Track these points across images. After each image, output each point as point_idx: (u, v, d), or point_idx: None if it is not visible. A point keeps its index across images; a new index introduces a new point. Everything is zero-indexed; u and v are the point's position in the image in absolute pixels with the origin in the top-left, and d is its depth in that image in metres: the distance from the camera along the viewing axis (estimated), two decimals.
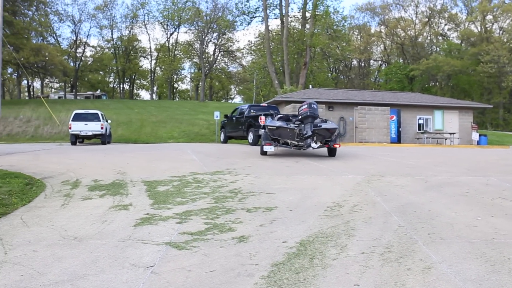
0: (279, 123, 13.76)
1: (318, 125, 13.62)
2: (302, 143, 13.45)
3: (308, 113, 13.21)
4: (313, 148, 13.29)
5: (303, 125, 13.30)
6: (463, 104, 32.28)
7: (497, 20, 68.28)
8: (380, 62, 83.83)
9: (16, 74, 67.36)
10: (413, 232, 5.62)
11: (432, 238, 5.39)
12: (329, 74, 71.68)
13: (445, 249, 4.98)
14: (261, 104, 25.22)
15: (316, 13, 48.66)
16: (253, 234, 5.46)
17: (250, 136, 20.53)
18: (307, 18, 50.93)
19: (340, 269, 4.35)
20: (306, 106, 13.51)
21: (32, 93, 75.73)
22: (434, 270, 4.36)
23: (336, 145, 13.94)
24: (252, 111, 21.73)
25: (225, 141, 24.26)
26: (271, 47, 52.61)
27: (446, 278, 4.15)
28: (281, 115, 15.49)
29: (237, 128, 22.35)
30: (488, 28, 68.87)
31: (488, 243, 5.23)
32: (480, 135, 29.09)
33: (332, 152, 14.28)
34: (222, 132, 24.97)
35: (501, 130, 52.51)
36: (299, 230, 5.64)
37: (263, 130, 15.08)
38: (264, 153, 14.23)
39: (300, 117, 13.65)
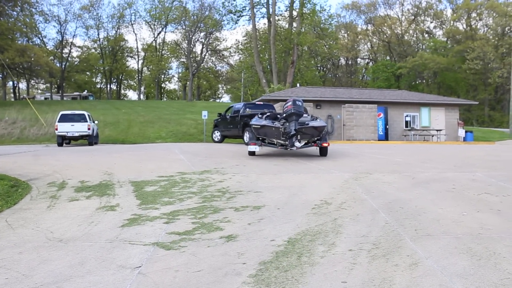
0: (264, 122, 13.33)
1: (306, 123, 13.16)
2: (287, 142, 12.94)
3: (292, 111, 12.57)
4: (297, 147, 12.72)
5: (287, 124, 12.69)
6: (449, 101, 32.55)
7: (481, 17, 68.97)
8: (367, 60, 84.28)
9: (1, 75, 66.51)
10: (400, 228, 5.65)
11: (419, 234, 5.42)
12: (317, 73, 71.87)
13: (432, 244, 5.02)
14: (256, 103, 24.45)
15: (303, 11, 48.76)
16: (241, 233, 5.45)
17: (246, 135, 20.34)
18: (294, 17, 51.00)
19: (328, 266, 4.35)
20: (290, 103, 12.87)
21: (17, 94, 74.80)
22: (421, 265, 4.39)
23: (325, 144, 13.47)
24: (247, 109, 21.20)
25: (221, 141, 23.80)
26: (259, 46, 52.59)
27: (433, 274, 4.18)
28: (269, 113, 14.86)
29: (231, 127, 22.01)
30: (473, 26, 69.56)
31: (474, 238, 5.27)
32: (466, 132, 29.35)
33: (323, 152, 13.75)
34: (216, 131, 24.23)
35: (487, 126, 53.04)
36: (287, 228, 5.64)
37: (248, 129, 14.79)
38: (251, 153, 13.80)
39: (284, 114, 13.03)
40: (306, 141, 13.46)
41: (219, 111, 26.80)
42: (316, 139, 13.56)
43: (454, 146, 22.80)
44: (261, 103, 24.40)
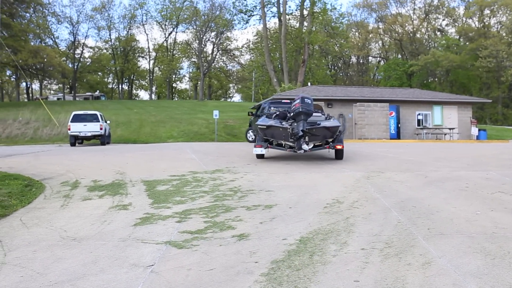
0: (270, 122, 12.07)
1: (317, 123, 11.89)
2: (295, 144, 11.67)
3: (300, 109, 11.26)
4: (305, 150, 11.39)
5: (295, 124, 11.33)
6: (462, 99, 32.27)
7: (495, 14, 68.27)
8: (378, 58, 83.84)
9: (14, 76, 67.37)
10: (413, 227, 5.62)
11: (432, 233, 5.39)
12: (328, 71, 71.57)
13: (445, 244, 4.98)
14: (283, 100, 21.89)
15: (314, 10, 48.64)
16: (252, 232, 5.46)
17: (249, 135, 20.04)
18: (305, 16, 50.87)
19: (340, 265, 4.34)
20: (298, 101, 11.53)
21: (31, 95, 75.65)
22: (434, 265, 4.36)
23: (339, 146, 12.09)
24: (272, 108, 19.25)
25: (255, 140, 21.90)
26: (269, 45, 52.57)
27: (446, 273, 4.15)
28: (279, 112, 13.50)
29: None
30: (486, 23, 68.84)
31: (488, 237, 5.22)
32: (479, 130, 29.09)
33: (338, 155, 12.44)
34: (250, 131, 23.22)
35: (500, 124, 52.52)
36: (299, 227, 5.63)
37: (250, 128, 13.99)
38: (259, 156, 12.60)
39: (292, 114, 11.74)
40: (319, 143, 12.28)
41: (250, 110, 26.28)
42: (329, 140, 12.40)
43: (467, 145, 22.60)
44: (288, 100, 21.71)
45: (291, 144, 11.74)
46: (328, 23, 52.03)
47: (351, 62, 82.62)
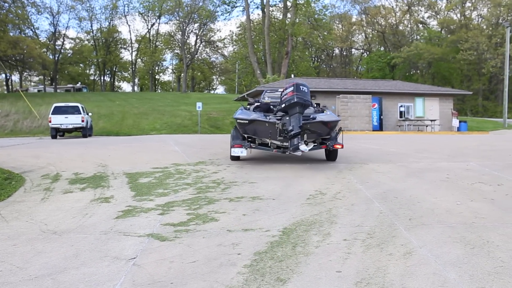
0: (253, 115, 9.53)
1: (311, 117, 9.56)
2: (286, 144, 9.38)
3: (295, 99, 8.88)
4: (303, 151, 9.06)
5: (287, 118, 9.04)
6: (444, 91, 32.63)
7: (476, 7, 68.98)
8: (361, 50, 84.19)
9: None
10: (394, 218, 5.67)
11: (413, 223, 5.45)
12: (311, 63, 71.79)
13: (426, 234, 5.04)
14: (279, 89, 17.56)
15: (297, 2, 48.61)
16: (236, 224, 5.46)
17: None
18: (289, 7, 50.85)
19: (323, 256, 4.37)
20: (291, 89, 9.13)
21: (10, 86, 74.32)
22: (415, 254, 4.41)
23: (338, 146, 9.83)
24: (266, 98, 15.63)
25: None
26: (253, 37, 52.47)
27: (426, 262, 4.20)
28: (260, 103, 11.03)
29: None
30: (467, 16, 69.55)
31: (468, 227, 5.30)
32: (460, 122, 29.47)
33: (331, 156, 10.43)
34: None
35: (481, 116, 53.29)
36: (281, 219, 5.65)
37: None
38: (234, 158, 10.43)
39: (283, 105, 9.21)
40: (312, 142, 9.92)
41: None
42: (325, 138, 10.01)
43: (448, 136, 22.88)
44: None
45: (278, 143, 9.61)
46: (312, 15, 52.04)
47: (334, 54, 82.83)
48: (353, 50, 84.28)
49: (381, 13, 74.16)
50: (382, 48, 76.53)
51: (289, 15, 50.89)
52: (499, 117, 42.75)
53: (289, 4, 50.75)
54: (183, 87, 68.21)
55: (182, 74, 71.47)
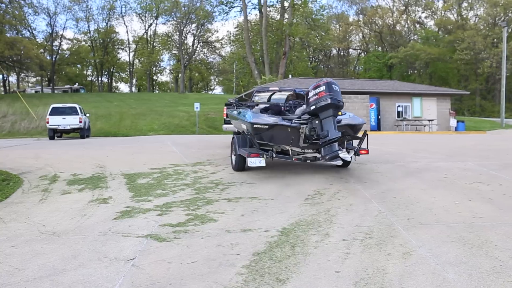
0: (273, 119, 8.14)
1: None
2: (314, 153, 8.43)
3: (329, 100, 7.60)
4: (345, 160, 8.07)
5: (317, 122, 7.83)
6: (441, 91, 32.68)
7: (472, 7, 69.13)
8: (359, 50, 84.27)
9: None
10: (393, 217, 5.68)
11: (411, 223, 5.45)
12: (309, 64, 71.84)
13: (424, 233, 5.05)
14: (269, 88, 14.50)
15: (295, 2, 48.64)
16: (234, 224, 5.46)
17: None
18: (286, 8, 50.84)
19: (322, 256, 4.37)
20: (323, 88, 7.77)
21: (7, 87, 74.12)
22: (414, 254, 4.41)
23: (363, 152, 8.50)
24: (257, 98, 13.31)
25: None
26: (250, 37, 52.47)
27: (425, 262, 4.21)
28: (265, 104, 10.11)
29: None
30: (464, 16, 69.71)
31: (466, 226, 5.31)
32: (457, 121, 29.52)
33: (347, 162, 9.15)
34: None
35: (478, 116, 53.36)
36: (280, 219, 5.65)
37: (230, 128, 11.97)
38: (240, 168, 9.03)
39: (312, 107, 7.83)
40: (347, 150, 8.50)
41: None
42: (350, 143, 9.00)
43: (445, 136, 22.90)
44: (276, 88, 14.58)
45: (298, 150, 8.43)
46: (309, 15, 52.05)
47: (331, 55, 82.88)
48: (350, 50, 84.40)
49: (378, 13, 74.29)
50: (379, 48, 76.63)
51: (286, 16, 50.90)
52: (496, 117, 42.86)
53: (286, 4, 50.76)
54: (181, 87, 68.20)
55: (180, 75, 71.45)
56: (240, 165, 8.92)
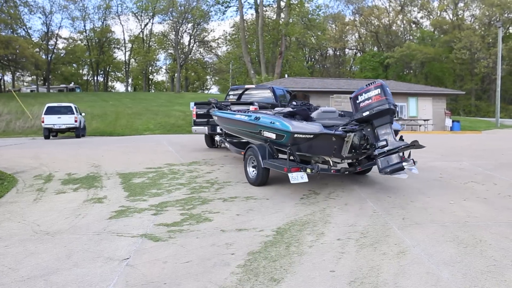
0: (316, 127, 6.87)
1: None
2: (351, 163, 7.85)
3: (387, 106, 6.75)
4: (409, 170, 6.83)
5: (369, 129, 6.95)
6: (437, 91, 32.74)
7: (468, 7, 69.33)
8: (355, 50, 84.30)
9: None
10: (388, 217, 5.69)
11: (406, 222, 5.46)
12: (305, 63, 71.80)
13: (419, 233, 5.06)
14: (245, 86, 14.83)
15: (291, 2, 48.62)
16: (229, 224, 5.45)
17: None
18: (282, 7, 50.80)
19: (316, 256, 4.37)
20: (378, 91, 6.86)
21: (3, 87, 73.79)
22: (409, 254, 4.42)
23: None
24: (231, 96, 13.85)
25: None
26: (247, 37, 52.40)
27: (420, 262, 4.21)
28: (296, 108, 8.54)
29: None
30: (460, 16, 69.88)
31: (461, 226, 5.32)
32: (453, 121, 29.57)
33: (367, 170, 8.58)
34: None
35: (473, 116, 53.51)
36: (275, 219, 5.64)
37: (218, 134, 11.10)
38: (262, 183, 7.72)
39: (366, 113, 6.82)
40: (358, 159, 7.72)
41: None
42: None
43: (441, 136, 22.96)
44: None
45: (338, 160, 7.41)
46: (305, 15, 52.02)
47: (328, 54, 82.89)
48: (346, 50, 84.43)
49: (375, 13, 74.34)
50: (375, 48, 76.70)
51: (282, 15, 50.86)
52: (491, 117, 42.98)
53: (282, 4, 50.73)
54: (177, 87, 68.04)
55: (176, 74, 71.29)
56: (263, 179, 7.65)
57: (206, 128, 12.50)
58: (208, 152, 12.46)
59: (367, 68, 66.19)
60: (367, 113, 6.83)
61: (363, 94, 7.01)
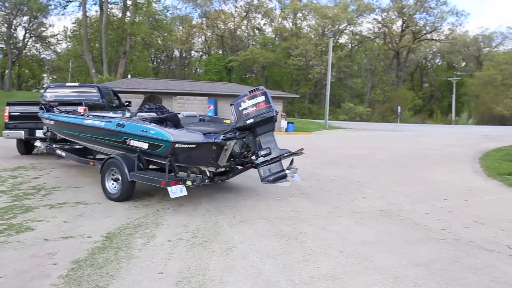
0: (197, 136, 6.27)
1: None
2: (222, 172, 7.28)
3: (273, 113, 6.75)
4: (292, 178, 6.61)
5: (251, 137, 6.89)
6: (275, 94, 34.66)
7: (306, 17, 75.04)
8: (201, 53, 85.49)
9: None
10: (219, 216, 5.87)
11: (236, 220, 5.69)
12: (150, 64, 70.64)
13: (247, 229, 5.31)
14: (66, 84, 12.99)
15: (138, 1, 47.46)
16: (55, 232, 5.11)
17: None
18: (128, 6, 49.32)
19: (146, 259, 4.32)
20: (263, 98, 6.88)
21: None
22: (236, 250, 4.61)
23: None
24: (49, 96, 12.02)
25: None
26: (89, 34, 49.78)
27: (246, 256, 4.42)
28: (159, 115, 8.55)
29: None
30: (298, 25, 75.33)
31: (286, 220, 5.72)
32: (288, 123, 31.61)
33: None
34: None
35: (307, 118, 58.00)
36: (106, 223, 5.45)
37: (38, 139, 9.94)
38: (127, 197, 6.72)
39: (250, 120, 6.73)
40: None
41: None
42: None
43: (276, 137, 24.42)
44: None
45: (213, 170, 6.93)
46: (152, 15, 51.23)
47: (174, 56, 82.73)
48: (192, 52, 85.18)
49: (221, 18, 76.26)
50: (220, 52, 78.70)
51: (128, 14, 49.39)
52: (321, 119, 47.03)
53: (129, 2, 49.26)
54: (7, 85, 61.78)
55: (7, 71, 64.67)
56: (129, 193, 6.67)
57: (23, 132, 10.87)
58: (39, 156, 11.48)
59: (212, 70, 67.58)
60: (251, 120, 6.74)
61: (247, 101, 6.91)
